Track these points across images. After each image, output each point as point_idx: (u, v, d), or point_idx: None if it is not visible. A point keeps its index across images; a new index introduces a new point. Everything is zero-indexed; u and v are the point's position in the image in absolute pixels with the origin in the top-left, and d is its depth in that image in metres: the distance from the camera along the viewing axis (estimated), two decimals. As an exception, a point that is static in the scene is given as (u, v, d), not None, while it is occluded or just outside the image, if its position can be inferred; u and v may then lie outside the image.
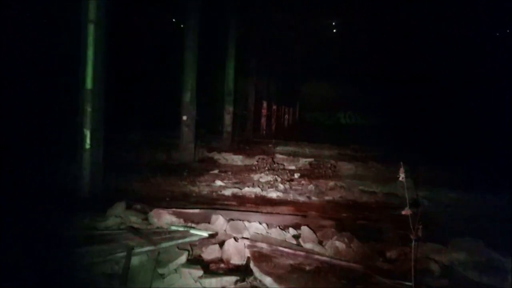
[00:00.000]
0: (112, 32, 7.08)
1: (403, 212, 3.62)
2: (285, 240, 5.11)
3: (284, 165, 11.40)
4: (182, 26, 14.07)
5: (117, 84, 7.98)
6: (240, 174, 9.89)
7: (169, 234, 5.13)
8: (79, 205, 6.09)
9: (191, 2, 10.52)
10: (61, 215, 5.46)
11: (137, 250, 4.49)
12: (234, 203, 7.24)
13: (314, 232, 5.25)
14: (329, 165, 11.30)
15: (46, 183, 7.30)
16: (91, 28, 6.68)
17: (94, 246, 4.53)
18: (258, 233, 5.19)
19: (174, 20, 16.12)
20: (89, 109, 6.70)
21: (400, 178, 3.63)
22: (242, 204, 7.19)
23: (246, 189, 8.23)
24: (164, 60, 16.95)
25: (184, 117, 10.89)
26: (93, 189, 6.80)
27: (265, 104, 21.23)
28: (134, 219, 5.58)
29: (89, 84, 6.71)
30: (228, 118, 14.73)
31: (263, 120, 21.36)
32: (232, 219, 5.54)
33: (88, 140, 6.70)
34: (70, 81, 7.07)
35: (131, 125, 13.96)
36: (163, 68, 17.14)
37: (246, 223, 5.43)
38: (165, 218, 5.59)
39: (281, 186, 8.64)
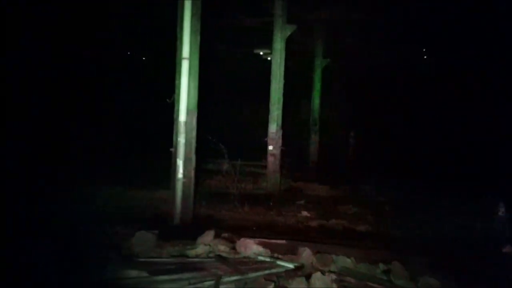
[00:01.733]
0: (203, 66, 7.44)
1: (504, 250, 3.34)
2: (375, 276, 4.92)
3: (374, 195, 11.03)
4: (268, 58, 14.42)
5: (205, 116, 8.33)
6: (327, 205, 9.73)
7: (256, 264, 5.18)
8: (172, 232, 6.35)
9: (278, 35, 10.77)
10: (156, 243, 5.74)
11: (225, 279, 4.58)
12: (320, 235, 7.13)
13: (406, 267, 5.00)
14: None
15: (143, 210, 7.74)
16: (184, 64, 7.09)
17: (185, 274, 4.70)
18: (346, 267, 5.05)
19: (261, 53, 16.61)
20: (182, 140, 7.05)
21: (500, 213, 3.37)
22: (329, 236, 7.06)
23: (333, 220, 8.08)
24: (249, 90, 17.43)
25: (270, 147, 11.02)
26: (184, 217, 7.07)
27: (352, 133, 20.84)
28: (223, 248, 5.70)
29: (182, 116, 7.08)
30: (313, 148, 14.63)
31: (350, 149, 20.93)
32: (319, 252, 5.45)
33: (180, 170, 7.03)
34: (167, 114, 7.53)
35: (220, 155, 14.40)
36: (248, 98, 17.61)
37: (334, 256, 5.31)
38: (252, 248, 5.64)
39: (370, 218, 8.36)
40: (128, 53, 17.79)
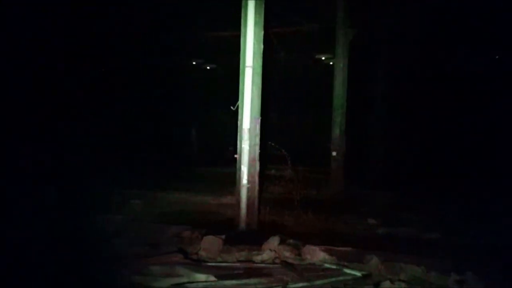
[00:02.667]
0: (266, 74, 7.53)
1: None
2: (447, 286, 4.72)
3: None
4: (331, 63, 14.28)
5: (268, 122, 8.44)
6: (394, 212, 9.45)
7: (322, 272, 5.14)
8: (238, 237, 6.44)
9: (340, 39, 10.68)
10: (223, 247, 5.85)
11: (291, 285, 4.58)
12: (387, 242, 6.93)
13: (480, 278, 4.75)
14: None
15: (210, 215, 7.92)
16: (248, 72, 7.21)
17: (251, 279, 4.75)
18: (416, 276, 4.89)
19: (323, 58, 16.50)
20: (246, 146, 7.16)
21: None
22: (397, 244, 6.84)
23: (402, 228, 7.83)
24: (310, 96, 17.31)
25: (334, 153, 10.93)
26: (249, 223, 7.15)
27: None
28: (288, 254, 5.71)
29: (246, 123, 7.19)
30: (380, 154, 14.28)
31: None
32: (387, 260, 5.31)
33: (245, 176, 7.13)
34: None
35: (282, 161, 14.42)
36: (310, 104, 17.49)
37: (402, 265, 5.16)
38: (318, 255, 5.61)
39: (438, 225, 8.01)
40: (194, 63, 18.33)
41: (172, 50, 16.36)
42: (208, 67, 18.88)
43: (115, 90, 18.23)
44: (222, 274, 4.93)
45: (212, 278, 4.80)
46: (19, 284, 4.52)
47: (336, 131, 10.95)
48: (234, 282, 4.70)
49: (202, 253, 5.78)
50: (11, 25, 11.41)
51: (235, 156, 7.36)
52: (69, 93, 15.07)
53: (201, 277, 4.84)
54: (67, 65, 14.34)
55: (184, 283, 4.70)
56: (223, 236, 6.12)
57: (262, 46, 7.30)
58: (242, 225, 7.14)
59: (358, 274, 4.99)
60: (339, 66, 10.82)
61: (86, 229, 6.61)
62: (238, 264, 5.41)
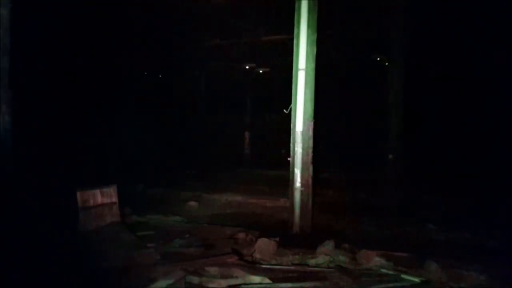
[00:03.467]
0: (319, 76, 7.47)
1: None
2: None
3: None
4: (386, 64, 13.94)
5: (322, 125, 8.36)
6: (454, 216, 9.07)
7: (379, 277, 5.03)
8: (292, 240, 6.43)
9: (395, 42, 10.44)
10: (277, 250, 5.86)
11: (347, 290, 4.51)
12: (448, 249, 6.66)
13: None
14: None
15: (264, 217, 7.95)
16: (301, 75, 7.19)
17: (306, 283, 4.73)
18: (478, 284, 4.67)
19: (378, 59, 16.13)
20: (299, 149, 7.14)
21: None
22: (458, 250, 6.57)
23: (463, 234, 7.51)
24: (363, 99, 16.95)
25: (390, 156, 10.64)
26: (303, 226, 7.12)
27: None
28: (343, 259, 5.63)
29: (298, 126, 7.17)
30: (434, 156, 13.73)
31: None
32: (447, 267, 5.11)
33: (298, 179, 7.11)
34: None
35: (334, 164, 14.28)
36: (363, 107, 17.15)
37: (464, 272, 4.94)
38: (374, 260, 5.48)
39: (501, 232, 7.61)
40: (247, 67, 18.50)
41: (225, 54, 16.58)
42: (261, 71, 18.98)
43: (168, 93, 18.78)
44: (277, 276, 4.94)
45: (267, 280, 4.82)
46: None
47: (393, 133, 10.65)
48: (289, 285, 4.69)
49: (257, 255, 5.81)
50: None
51: (288, 159, 7.35)
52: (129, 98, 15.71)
53: (256, 279, 4.87)
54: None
55: (239, 284, 4.74)
56: (277, 239, 6.12)
57: (315, 49, 7.25)
58: (296, 228, 7.12)
59: (417, 280, 4.85)
60: (395, 71, 10.57)
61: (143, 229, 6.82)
62: (292, 267, 5.40)
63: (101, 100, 16.02)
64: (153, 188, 10.91)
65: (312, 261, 5.58)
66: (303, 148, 7.18)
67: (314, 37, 7.23)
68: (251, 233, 6.61)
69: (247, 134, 19.56)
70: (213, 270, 5.13)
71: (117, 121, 16.34)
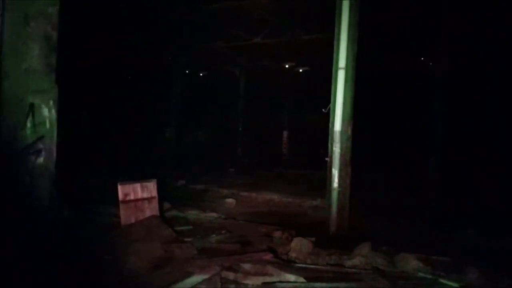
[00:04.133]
0: (360, 76, 7.38)
1: None
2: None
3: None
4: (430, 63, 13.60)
5: (363, 125, 8.25)
6: (498, 221, 8.71)
7: (416, 280, 4.94)
8: (328, 241, 6.39)
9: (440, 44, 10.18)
10: (313, 250, 5.84)
11: (384, 293, 4.44)
12: (491, 255, 6.42)
13: None
14: None
15: (300, 217, 7.93)
16: (340, 74, 7.12)
17: (342, 283, 4.69)
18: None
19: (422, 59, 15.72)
20: (337, 149, 7.07)
21: None
22: (502, 257, 6.31)
23: (507, 240, 7.22)
24: (405, 101, 16.57)
25: (432, 158, 10.40)
26: (340, 226, 7.05)
27: None
28: (380, 261, 5.54)
29: (337, 125, 7.11)
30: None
31: None
32: (488, 273, 4.94)
33: (336, 179, 7.05)
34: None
35: (376, 165, 14.02)
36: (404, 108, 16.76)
37: (505, 280, 4.77)
38: (412, 263, 5.38)
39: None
40: (287, 66, 18.48)
41: (265, 53, 16.61)
42: (300, 70, 18.91)
43: (209, 92, 19.03)
44: (312, 276, 4.92)
45: (301, 279, 4.81)
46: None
47: (439, 133, 10.37)
48: (324, 285, 4.67)
49: (292, 254, 5.82)
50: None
51: (326, 159, 7.29)
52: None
53: (291, 277, 4.88)
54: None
55: (274, 282, 4.76)
56: (313, 239, 6.11)
57: (356, 47, 7.16)
58: (332, 228, 7.06)
59: (456, 286, 4.71)
60: (439, 72, 10.34)
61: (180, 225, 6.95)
62: (328, 268, 5.37)
63: (148, 98, 16.50)
64: (193, 184, 11.12)
65: (348, 262, 5.53)
66: (341, 148, 7.11)
67: (355, 36, 7.14)
68: (286, 231, 6.61)
69: (285, 134, 19.54)
70: (248, 266, 5.17)
71: (165, 119, 16.79)
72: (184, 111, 17.42)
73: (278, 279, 4.88)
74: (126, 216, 5.82)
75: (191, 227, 6.80)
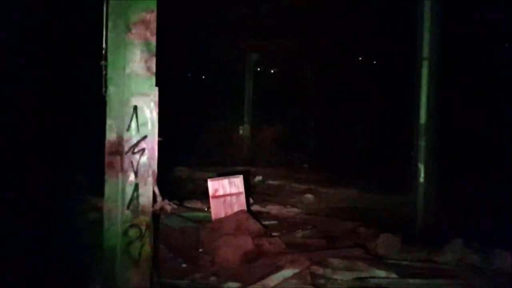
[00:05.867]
0: (445, 68, 7.11)
1: None
2: None
3: None
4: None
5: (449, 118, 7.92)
6: None
7: (514, 279, 4.71)
8: (414, 237, 6.25)
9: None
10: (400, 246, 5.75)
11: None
12: None
13: None
14: None
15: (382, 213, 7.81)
16: (424, 65, 6.90)
17: (436, 280, 4.61)
18: None
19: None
20: (422, 143, 6.87)
21: None
22: None
23: None
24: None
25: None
26: (426, 223, 6.86)
27: None
28: (474, 258, 5.35)
29: (422, 118, 6.90)
30: None
31: None
32: None
33: (422, 174, 6.85)
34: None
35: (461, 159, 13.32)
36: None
37: None
38: (509, 260, 5.13)
39: None
40: (360, 58, 18.14)
41: (337, 47, 16.41)
42: (374, 62, 18.46)
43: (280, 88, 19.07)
44: (404, 272, 4.85)
45: (393, 275, 4.77)
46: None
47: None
48: (418, 281, 4.60)
49: (380, 250, 5.77)
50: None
51: (411, 154, 7.11)
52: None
53: (382, 273, 4.85)
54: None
55: (365, 277, 4.76)
56: (400, 235, 5.99)
57: (440, 37, 6.90)
58: (419, 224, 6.88)
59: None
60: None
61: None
62: (419, 264, 5.26)
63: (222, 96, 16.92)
64: (269, 179, 11.28)
65: (440, 259, 5.38)
66: (426, 142, 6.90)
67: (440, 23, 6.88)
68: (372, 227, 6.55)
69: (359, 129, 19.15)
70: (336, 262, 5.20)
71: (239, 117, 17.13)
72: (256, 109, 17.65)
73: (368, 275, 4.86)
74: (216, 210, 6.06)
75: (275, 222, 6.94)
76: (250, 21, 13.35)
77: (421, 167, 6.86)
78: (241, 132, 17.33)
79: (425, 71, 6.89)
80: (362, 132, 19.25)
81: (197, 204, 7.42)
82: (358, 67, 18.83)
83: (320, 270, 5.00)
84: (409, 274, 4.78)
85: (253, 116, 17.47)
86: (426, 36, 6.85)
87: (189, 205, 7.35)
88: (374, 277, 4.77)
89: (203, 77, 20.68)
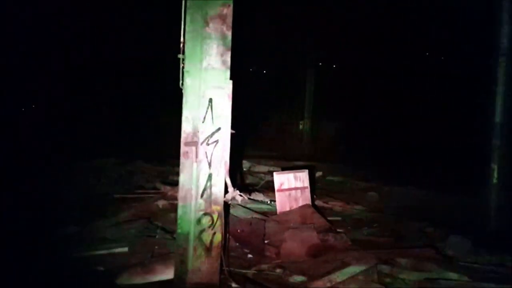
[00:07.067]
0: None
1: None
2: None
3: None
4: None
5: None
6: None
7: None
8: (487, 239, 5.98)
9: None
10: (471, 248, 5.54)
11: None
12: None
13: None
14: None
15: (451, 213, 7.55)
16: (502, 60, 6.56)
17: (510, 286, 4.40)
18: None
19: None
20: (497, 142, 6.55)
21: None
22: None
23: None
24: None
25: None
26: (500, 224, 6.54)
27: None
28: (554, 263, 5.06)
29: (498, 116, 6.57)
30: None
31: None
32: None
33: (495, 175, 6.54)
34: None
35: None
36: None
37: None
38: None
39: None
40: (426, 53, 17.54)
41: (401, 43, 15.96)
42: (442, 58, 17.78)
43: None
44: (476, 275, 4.69)
45: (465, 278, 4.62)
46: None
47: None
48: (492, 285, 4.42)
49: (449, 252, 5.58)
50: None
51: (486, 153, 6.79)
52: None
53: (453, 275, 4.71)
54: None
55: (435, 279, 4.64)
56: (471, 236, 5.77)
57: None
58: (491, 226, 6.56)
59: None
60: None
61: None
62: (491, 267, 5.05)
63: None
64: (330, 175, 11.18)
65: (515, 263, 5.14)
66: (501, 141, 6.57)
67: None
68: (440, 228, 6.35)
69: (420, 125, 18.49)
70: (404, 261, 5.10)
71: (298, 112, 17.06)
72: (317, 104, 17.53)
73: (438, 276, 4.74)
74: (281, 203, 6.11)
75: (340, 218, 6.89)
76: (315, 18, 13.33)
77: (495, 168, 6.53)
78: (300, 126, 17.29)
79: (502, 67, 6.55)
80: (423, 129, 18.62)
81: (259, 197, 7.49)
82: (424, 63, 18.20)
83: (386, 269, 4.93)
84: (482, 278, 4.60)
85: (314, 111, 17.35)
86: (505, 30, 6.51)
87: (251, 197, 7.44)
88: (445, 279, 4.64)
89: (264, 71, 20.78)
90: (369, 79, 18.56)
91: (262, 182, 9.18)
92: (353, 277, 4.69)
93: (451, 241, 5.69)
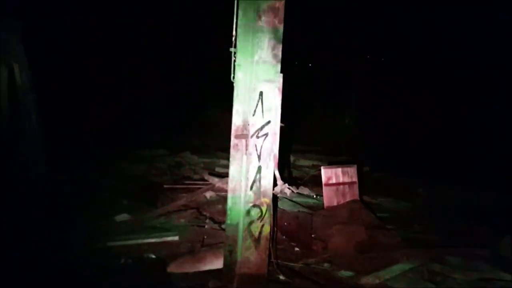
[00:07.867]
0: None
1: None
2: None
3: None
4: None
5: None
6: None
7: None
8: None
9: None
10: None
11: None
12: None
13: None
14: None
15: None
16: None
17: None
18: None
19: None
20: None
21: None
22: None
23: None
24: None
25: None
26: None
27: None
28: None
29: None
30: None
31: None
32: None
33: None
34: None
35: None
36: None
37: None
38: None
39: None
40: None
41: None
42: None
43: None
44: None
45: (521, 281, 4.46)
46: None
47: None
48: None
49: (503, 252, 5.40)
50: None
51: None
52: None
53: (507, 276, 4.56)
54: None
55: (489, 279, 4.50)
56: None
57: None
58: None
59: None
60: None
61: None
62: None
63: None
64: (377, 171, 10.98)
65: None
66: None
67: None
68: (492, 228, 6.12)
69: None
70: (455, 260, 4.98)
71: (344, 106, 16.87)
72: (364, 98, 17.24)
73: (492, 276, 4.60)
74: (328, 198, 6.07)
75: (388, 214, 6.78)
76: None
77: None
78: (347, 121, 17.08)
79: None
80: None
81: (305, 191, 7.47)
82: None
83: (437, 267, 4.83)
84: (541, 281, 4.43)
85: (360, 106, 17.09)
86: None
87: (298, 191, 7.43)
88: (499, 280, 4.49)
89: (310, 64, 20.63)
90: (418, 75, 18.08)
91: (307, 176, 9.14)
92: (402, 275, 4.63)
93: (506, 241, 5.48)
